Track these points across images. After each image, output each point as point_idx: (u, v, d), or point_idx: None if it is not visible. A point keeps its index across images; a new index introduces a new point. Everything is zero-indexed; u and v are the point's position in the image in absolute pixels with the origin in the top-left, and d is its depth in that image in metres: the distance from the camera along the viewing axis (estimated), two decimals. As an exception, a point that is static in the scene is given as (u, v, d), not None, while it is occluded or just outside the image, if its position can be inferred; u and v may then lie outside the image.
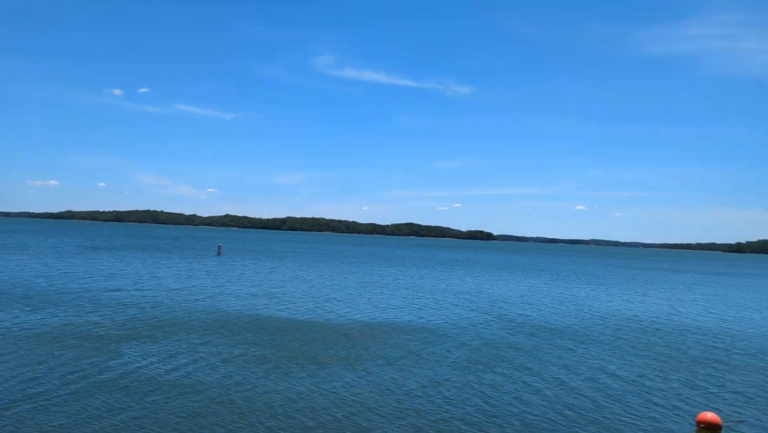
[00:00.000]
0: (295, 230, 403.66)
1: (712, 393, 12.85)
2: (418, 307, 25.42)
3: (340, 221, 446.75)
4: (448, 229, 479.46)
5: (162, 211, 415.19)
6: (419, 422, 10.00)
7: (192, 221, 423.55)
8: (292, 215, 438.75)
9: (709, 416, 10.66)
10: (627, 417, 10.84)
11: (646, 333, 21.10)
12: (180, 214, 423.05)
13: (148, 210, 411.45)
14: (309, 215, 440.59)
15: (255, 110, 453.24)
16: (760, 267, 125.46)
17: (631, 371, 14.58)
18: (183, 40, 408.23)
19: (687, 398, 12.38)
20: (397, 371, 13.49)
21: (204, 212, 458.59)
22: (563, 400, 11.77)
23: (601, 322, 23.55)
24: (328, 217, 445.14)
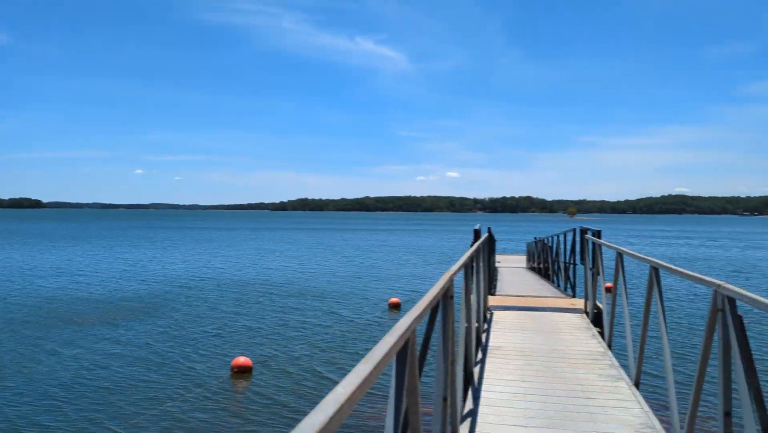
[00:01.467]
0: None
1: (246, 338, 13.92)
2: None
3: None
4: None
5: None
6: None
7: None
8: None
9: (242, 360, 11.48)
10: (169, 378, 10.79)
11: (190, 289, 21.72)
12: None
13: None
14: None
15: None
16: (296, 222, 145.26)
17: (172, 332, 14.67)
18: None
19: (223, 347, 13.09)
20: None
21: None
22: (108, 377, 10.99)
23: (147, 287, 23.25)
24: None
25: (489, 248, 13.16)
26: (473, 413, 5.08)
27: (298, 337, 14.14)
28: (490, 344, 7.83)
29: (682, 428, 4.49)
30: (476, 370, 6.47)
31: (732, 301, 3.60)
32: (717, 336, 3.78)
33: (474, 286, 7.32)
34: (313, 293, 21.54)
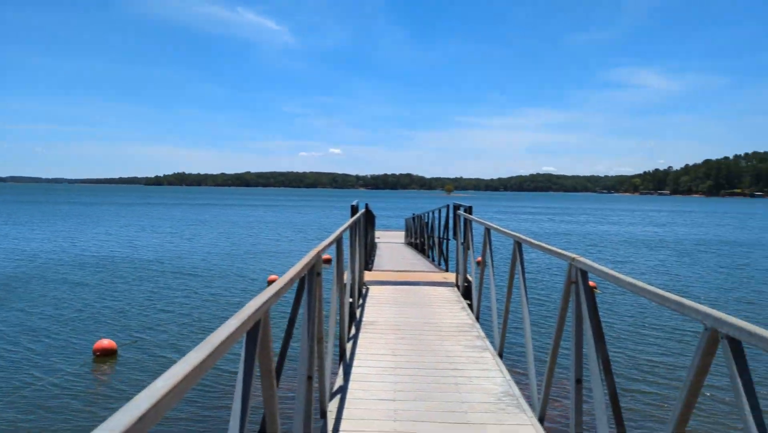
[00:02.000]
0: None
1: (111, 320, 13.09)
2: None
3: None
4: None
5: None
6: None
7: None
8: None
9: (105, 342, 10.77)
10: (20, 365, 9.89)
11: (49, 269, 20.06)
12: None
13: None
14: None
15: None
16: (171, 197, 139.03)
17: (26, 315, 13.49)
18: None
19: (85, 330, 12.24)
20: None
21: None
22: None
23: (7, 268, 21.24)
24: None
25: (367, 224, 13.22)
26: (343, 390, 5.04)
27: (168, 318, 13.49)
28: (365, 319, 7.85)
29: (539, 395, 4.72)
30: (349, 346, 6.45)
31: (584, 273, 3.78)
32: (571, 307, 3.97)
33: (348, 261, 7.27)
34: (186, 271, 20.64)
